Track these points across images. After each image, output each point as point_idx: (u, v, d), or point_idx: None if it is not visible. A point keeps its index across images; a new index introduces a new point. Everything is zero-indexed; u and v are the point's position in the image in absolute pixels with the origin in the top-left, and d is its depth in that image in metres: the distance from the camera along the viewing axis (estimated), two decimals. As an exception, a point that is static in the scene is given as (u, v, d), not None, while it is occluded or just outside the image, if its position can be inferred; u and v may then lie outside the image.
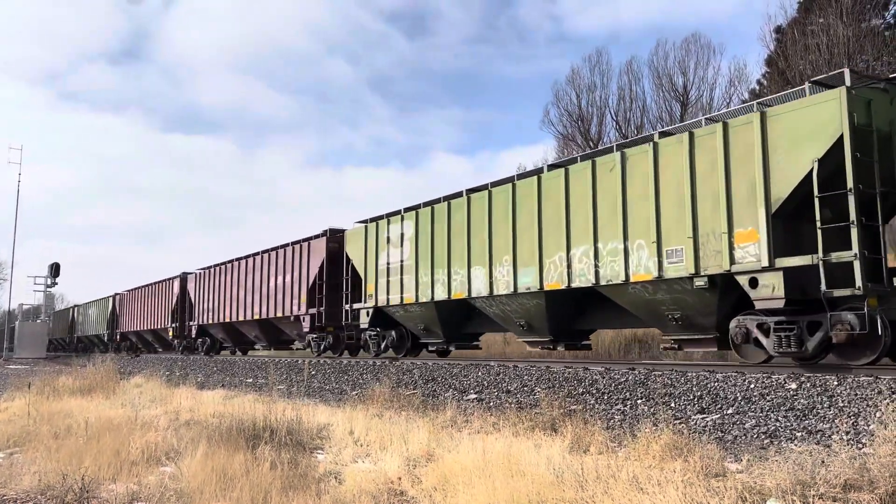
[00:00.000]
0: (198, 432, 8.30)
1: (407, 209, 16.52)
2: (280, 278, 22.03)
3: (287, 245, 22.12)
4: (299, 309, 20.82)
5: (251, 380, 17.58)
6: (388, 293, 16.58)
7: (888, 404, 6.31)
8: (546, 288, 12.36)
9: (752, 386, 8.31)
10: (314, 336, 20.44)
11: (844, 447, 5.35)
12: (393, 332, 17.29)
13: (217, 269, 27.32)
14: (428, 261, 15.28)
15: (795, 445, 6.32)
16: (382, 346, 17.50)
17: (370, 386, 12.47)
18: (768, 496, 4.63)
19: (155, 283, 34.45)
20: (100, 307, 44.18)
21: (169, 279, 32.51)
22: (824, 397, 7.47)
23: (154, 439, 8.05)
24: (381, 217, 17.52)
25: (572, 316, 13.07)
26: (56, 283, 50.98)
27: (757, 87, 29.20)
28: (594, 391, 9.77)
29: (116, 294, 41.22)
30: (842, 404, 7.23)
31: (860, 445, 6.11)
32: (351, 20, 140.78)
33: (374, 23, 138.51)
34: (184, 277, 30.95)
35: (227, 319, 25.87)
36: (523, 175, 13.54)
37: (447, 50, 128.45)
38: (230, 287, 25.82)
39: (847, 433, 6.52)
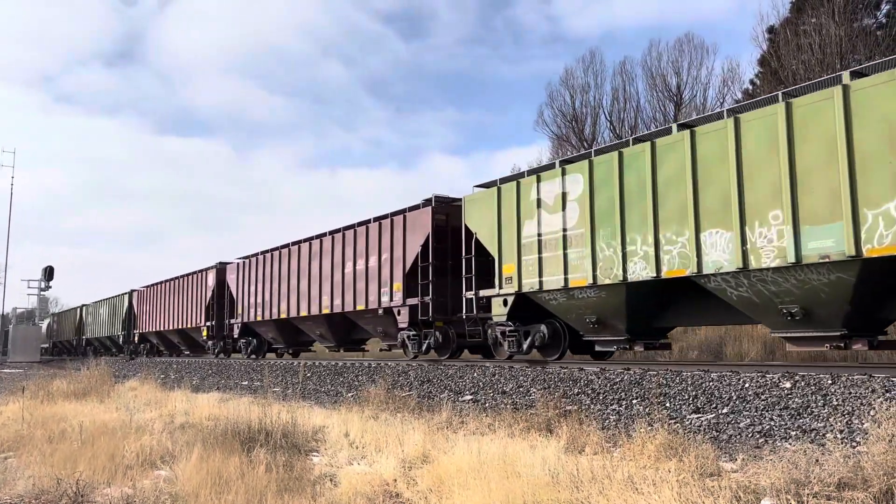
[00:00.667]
0: (193, 435, 8.29)
1: (566, 161, 12.76)
2: (361, 263, 17.81)
3: (369, 221, 17.89)
4: (391, 299, 16.57)
5: (246, 382, 17.55)
6: (539, 275, 12.55)
7: (882, 403, 6.34)
8: (866, 254, 8.31)
9: (746, 385, 8.33)
10: (411, 334, 16.32)
11: (838, 446, 5.37)
12: (542, 328, 13.10)
13: (267, 256, 23.07)
14: (613, 226, 11.29)
15: (790, 444, 6.34)
16: (525, 345, 13.36)
17: (365, 388, 12.46)
18: (763, 495, 4.65)
19: (182, 277, 30.20)
20: (113, 305, 39.53)
21: (202, 271, 28.33)
22: (818, 396, 7.49)
23: (149, 443, 8.03)
24: (520, 175, 13.66)
25: (885, 297, 9.10)
26: (50, 287, 50.84)
27: (750, 87, 29.31)
28: (589, 391, 9.78)
29: (133, 290, 36.61)
30: (836, 403, 7.25)
31: (854, 444, 6.13)
32: (346, 22, 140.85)
33: (369, 24, 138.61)
34: (221, 268, 26.79)
35: (282, 315, 21.65)
36: (792, 92, 9.71)
37: (443, 51, 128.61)
38: (286, 277, 21.56)
39: (841, 432, 6.54)
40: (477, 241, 14.24)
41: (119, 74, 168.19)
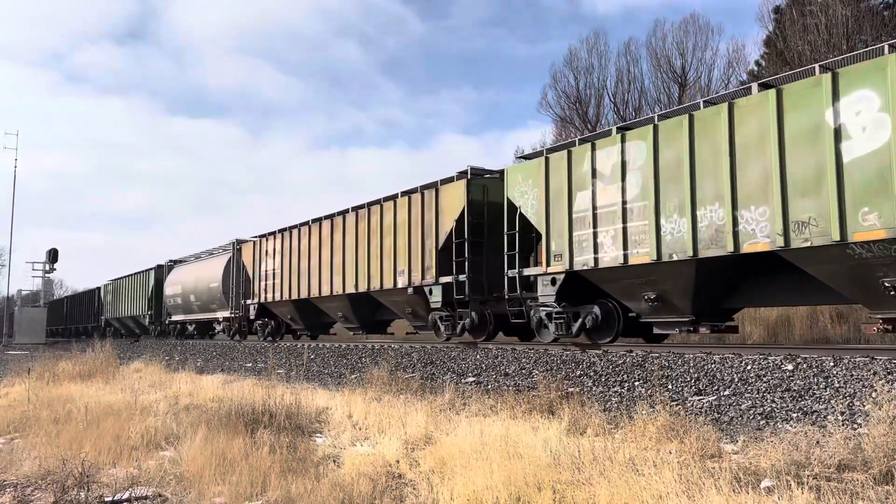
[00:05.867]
0: (197, 417, 8.34)
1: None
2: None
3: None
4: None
5: (250, 364, 17.62)
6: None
7: (883, 385, 6.35)
8: None
9: (748, 367, 8.35)
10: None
11: (839, 428, 5.39)
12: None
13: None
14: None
15: (791, 426, 6.36)
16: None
17: (369, 370, 12.50)
18: (763, 476, 4.67)
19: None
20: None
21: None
22: (820, 378, 7.51)
23: (153, 424, 8.09)
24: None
25: None
26: (54, 269, 50.84)
27: (755, 68, 29.10)
28: (591, 373, 9.81)
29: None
30: (837, 385, 7.27)
31: (855, 426, 6.15)
32: (363, 1, 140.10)
33: (387, 4, 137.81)
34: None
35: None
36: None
37: (462, 31, 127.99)
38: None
39: (842, 414, 6.55)
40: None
41: (130, 53, 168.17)
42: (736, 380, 8.19)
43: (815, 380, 7.51)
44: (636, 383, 9.04)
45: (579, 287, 12.31)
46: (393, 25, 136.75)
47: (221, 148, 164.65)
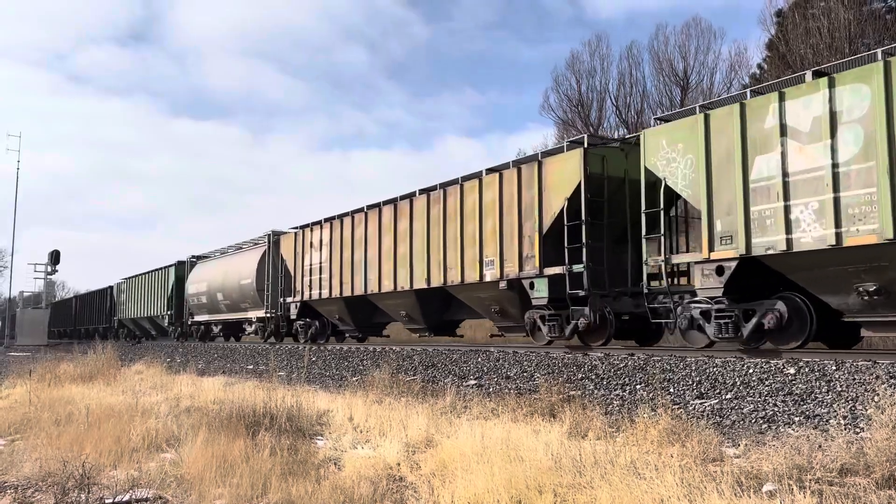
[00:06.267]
0: (198, 419, 8.33)
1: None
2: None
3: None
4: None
5: (252, 366, 17.62)
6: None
7: (886, 389, 6.33)
8: None
9: (750, 371, 8.33)
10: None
11: (841, 432, 5.37)
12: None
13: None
14: None
15: (793, 430, 6.35)
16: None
17: (370, 372, 12.49)
18: (765, 481, 4.65)
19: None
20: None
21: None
22: (822, 382, 7.50)
23: (154, 426, 8.08)
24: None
25: None
26: (56, 271, 50.89)
27: (758, 72, 29.12)
28: (593, 377, 9.80)
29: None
30: (840, 389, 7.25)
31: (857, 430, 6.14)
32: (368, 4, 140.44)
33: (392, 7, 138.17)
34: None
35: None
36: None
37: (464, 33, 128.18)
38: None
39: (844, 418, 6.54)
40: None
41: (132, 55, 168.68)
42: (738, 383, 8.18)
43: (818, 384, 7.50)
44: (638, 386, 9.03)
45: (751, 277, 9.98)
46: (397, 29, 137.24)
47: (223, 149, 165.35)
